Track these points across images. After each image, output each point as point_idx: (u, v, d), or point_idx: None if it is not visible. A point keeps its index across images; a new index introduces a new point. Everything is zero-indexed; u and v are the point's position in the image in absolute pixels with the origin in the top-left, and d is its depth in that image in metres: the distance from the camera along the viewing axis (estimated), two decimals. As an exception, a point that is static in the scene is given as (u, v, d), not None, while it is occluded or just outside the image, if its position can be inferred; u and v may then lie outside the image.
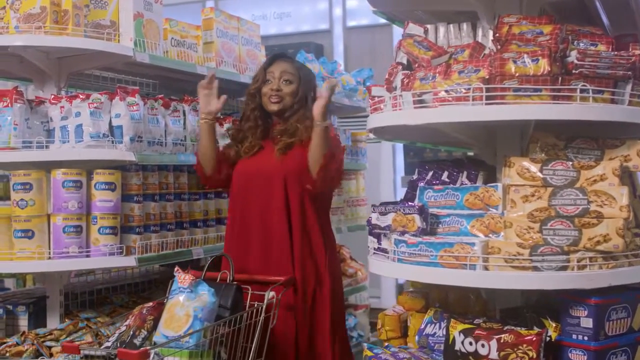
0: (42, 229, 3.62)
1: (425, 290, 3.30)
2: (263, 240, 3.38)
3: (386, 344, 3.15)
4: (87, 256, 3.66)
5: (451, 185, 3.02)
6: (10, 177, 3.68)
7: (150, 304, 2.92)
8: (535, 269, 2.60)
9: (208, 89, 3.52)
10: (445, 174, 3.12)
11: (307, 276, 3.34)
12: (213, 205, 4.32)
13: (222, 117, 4.38)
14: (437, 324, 3.03)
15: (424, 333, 3.05)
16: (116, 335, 2.81)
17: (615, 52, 2.73)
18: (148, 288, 4.61)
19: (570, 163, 2.74)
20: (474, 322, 2.79)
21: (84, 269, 4.21)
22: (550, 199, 2.69)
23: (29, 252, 3.59)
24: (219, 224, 4.33)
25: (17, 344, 3.53)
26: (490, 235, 2.79)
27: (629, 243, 2.65)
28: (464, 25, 3.17)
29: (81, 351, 2.72)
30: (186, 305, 2.75)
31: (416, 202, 3.03)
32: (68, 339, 3.51)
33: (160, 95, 4.09)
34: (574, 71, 2.66)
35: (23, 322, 3.84)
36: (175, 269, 2.91)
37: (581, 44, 2.77)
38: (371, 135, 3.34)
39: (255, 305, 2.99)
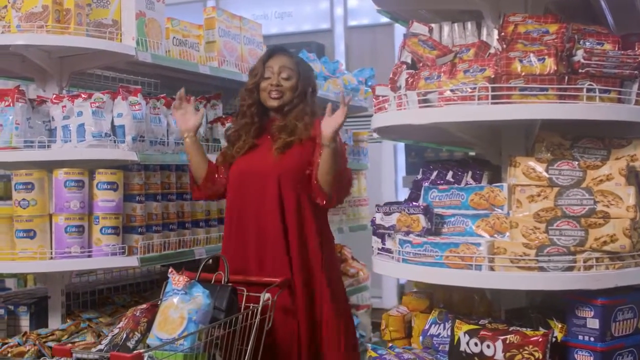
0: (44, 229, 3.61)
1: (429, 291, 3.28)
2: (258, 241, 3.34)
3: (390, 344, 3.13)
4: (89, 256, 3.64)
5: (456, 185, 3.01)
6: (12, 176, 3.66)
7: (144, 305, 2.88)
8: (542, 269, 2.59)
9: (182, 109, 3.51)
10: (450, 173, 3.11)
11: (304, 277, 3.30)
12: (215, 205, 4.30)
13: (224, 116, 4.37)
14: (442, 325, 3.01)
15: (428, 334, 3.04)
16: (109, 337, 2.76)
17: (622, 52, 2.71)
18: (150, 288, 4.59)
19: (576, 163, 2.72)
20: (479, 322, 2.77)
21: (85, 269, 4.19)
22: (557, 199, 2.67)
23: (30, 252, 3.58)
24: (221, 224, 4.30)
25: (19, 345, 3.51)
26: (496, 235, 2.78)
27: (635, 243, 2.63)
28: (469, 25, 3.16)
29: (73, 354, 2.68)
30: (180, 308, 2.71)
31: (421, 202, 3.02)
32: (70, 339, 3.49)
33: (162, 95, 4.07)
34: (580, 70, 2.64)
35: (25, 323, 3.82)
36: (169, 270, 2.87)
37: (587, 43, 2.75)
38: (375, 135, 3.32)
39: (251, 307, 2.95)
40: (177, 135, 4.01)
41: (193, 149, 3.52)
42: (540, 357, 2.54)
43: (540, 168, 2.74)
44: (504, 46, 2.75)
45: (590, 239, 2.60)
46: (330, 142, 3.18)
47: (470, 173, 3.06)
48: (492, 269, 2.64)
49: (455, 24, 3.17)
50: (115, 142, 3.64)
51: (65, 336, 3.56)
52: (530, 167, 2.75)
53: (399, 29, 8.90)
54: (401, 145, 8.02)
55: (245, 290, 3.03)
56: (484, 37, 3.10)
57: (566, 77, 2.61)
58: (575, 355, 2.65)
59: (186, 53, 4.31)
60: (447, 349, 2.87)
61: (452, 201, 2.94)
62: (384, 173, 7.81)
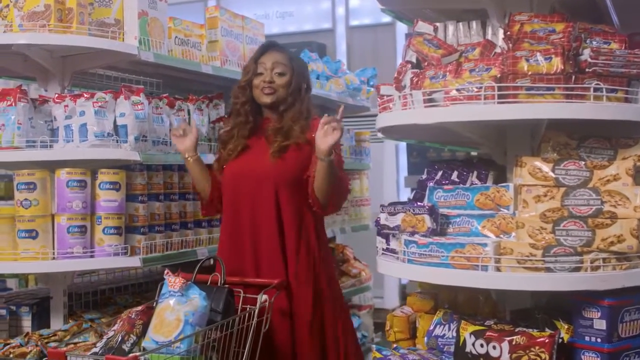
0: (46, 229, 3.59)
1: (433, 292, 3.26)
2: (254, 244, 3.30)
3: (395, 345, 3.12)
4: (92, 256, 3.62)
5: (461, 185, 2.99)
6: (14, 176, 3.64)
7: (139, 308, 2.84)
8: (548, 270, 2.57)
9: (182, 135, 3.49)
10: (455, 173, 3.09)
11: (301, 279, 3.28)
12: (217, 205, 4.28)
13: (226, 116, 4.35)
14: (447, 325, 3.00)
15: (433, 334, 3.02)
16: (104, 340, 2.72)
17: (629, 51, 2.69)
18: (152, 288, 4.57)
19: (583, 163, 2.70)
20: (485, 323, 2.75)
21: (88, 270, 4.18)
22: (563, 199, 2.65)
23: (32, 252, 3.56)
24: (223, 224, 4.30)
25: (21, 345, 3.49)
26: (502, 235, 2.76)
27: (642, 244, 2.62)
28: (474, 24, 3.14)
29: (68, 357, 2.65)
30: (177, 310, 2.68)
31: (426, 202, 3.00)
32: (72, 340, 3.47)
33: (164, 95, 4.06)
34: (587, 70, 2.63)
35: (26, 323, 3.80)
36: (165, 271, 2.83)
37: (594, 43, 2.73)
38: (379, 135, 3.30)
39: (248, 308, 2.92)
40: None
41: (195, 168, 3.52)
42: (547, 358, 2.52)
43: (546, 168, 2.72)
44: (510, 45, 2.74)
45: (597, 240, 2.58)
46: (326, 157, 3.14)
47: (475, 173, 3.04)
48: (498, 269, 2.62)
49: (460, 23, 3.16)
50: (117, 142, 3.63)
51: (68, 337, 3.55)
52: (536, 167, 2.73)
53: (401, 29, 8.92)
54: (403, 145, 8.00)
55: (242, 292, 2.99)
56: (489, 36, 3.08)
57: (573, 77, 2.59)
58: (582, 357, 2.63)
59: (188, 52, 4.29)
60: (452, 349, 2.85)
61: (458, 201, 2.92)
62: (385, 173, 7.80)
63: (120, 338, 2.69)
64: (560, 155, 2.78)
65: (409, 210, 2.92)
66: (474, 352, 2.68)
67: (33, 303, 3.84)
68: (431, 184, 3.07)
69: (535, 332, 2.60)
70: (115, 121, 3.66)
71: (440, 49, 2.96)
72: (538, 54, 2.61)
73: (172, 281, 2.75)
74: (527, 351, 2.56)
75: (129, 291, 4.44)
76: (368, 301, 6.15)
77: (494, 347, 2.63)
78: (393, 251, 3.00)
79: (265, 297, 2.93)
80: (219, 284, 3.00)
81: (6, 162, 3.77)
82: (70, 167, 3.59)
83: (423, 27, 3.14)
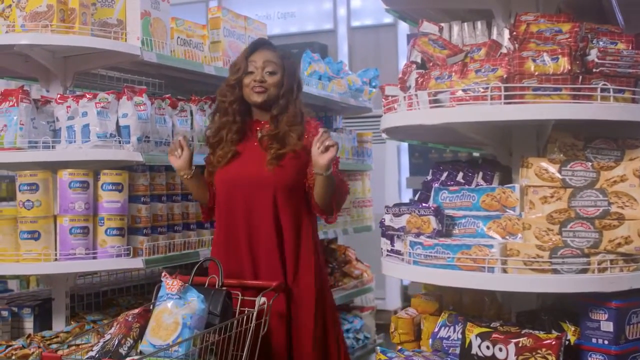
0: (49, 230, 3.57)
1: (438, 293, 3.25)
2: (251, 250, 3.25)
3: (399, 347, 3.10)
4: (94, 258, 3.61)
5: (467, 186, 2.97)
6: (16, 177, 3.62)
7: (136, 310, 2.80)
8: (555, 271, 2.55)
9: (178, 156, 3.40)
10: (460, 174, 3.08)
11: (301, 286, 3.26)
12: (220, 206, 4.27)
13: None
14: (452, 327, 2.98)
15: (437, 336, 3.00)
16: (100, 344, 2.68)
17: (636, 51, 2.68)
18: (154, 290, 4.55)
19: (590, 164, 2.69)
20: (491, 325, 2.74)
21: (90, 271, 4.16)
22: (570, 200, 2.64)
23: (35, 253, 3.54)
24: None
25: (23, 347, 3.48)
26: (507, 237, 2.75)
27: (650, 245, 2.60)
28: (479, 24, 3.13)
29: None
30: (175, 313, 2.64)
31: (431, 203, 2.99)
32: (74, 341, 3.45)
33: (167, 95, 4.04)
34: (594, 70, 2.61)
35: (28, 325, 3.78)
36: (163, 274, 2.79)
37: (601, 43, 2.72)
38: (384, 135, 3.28)
39: (246, 311, 2.88)
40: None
41: (192, 183, 3.47)
42: (554, 360, 2.51)
43: (553, 169, 2.70)
44: (516, 45, 2.72)
45: (605, 241, 2.57)
46: (325, 172, 3.14)
47: (480, 174, 3.03)
48: (504, 271, 2.61)
49: (465, 24, 3.15)
50: (120, 143, 3.61)
51: (70, 338, 3.53)
52: (542, 168, 2.72)
53: (402, 30, 8.92)
54: (404, 146, 8.00)
55: (240, 295, 2.96)
56: (494, 37, 3.07)
57: (580, 77, 2.57)
58: (589, 359, 2.61)
59: (190, 53, 4.27)
60: (457, 351, 2.84)
61: (463, 202, 2.90)
62: (387, 174, 7.79)
63: (117, 341, 2.65)
64: (567, 156, 2.77)
65: (414, 212, 2.90)
66: (479, 354, 2.67)
67: (35, 304, 3.82)
68: (436, 185, 3.05)
69: (541, 334, 2.59)
70: (117, 122, 3.64)
71: (446, 49, 2.94)
72: (545, 54, 2.60)
73: (170, 283, 2.71)
74: (534, 353, 2.54)
75: (131, 292, 4.43)
76: (370, 302, 6.13)
77: (500, 349, 2.61)
78: (398, 252, 2.99)
79: (263, 299, 2.89)
80: (216, 287, 2.96)
81: (8, 163, 3.75)
82: (73, 168, 3.57)
83: (428, 27, 3.12)
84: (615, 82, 2.60)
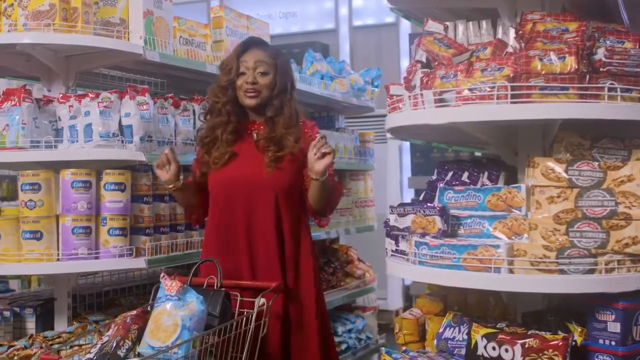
0: (51, 230, 3.56)
1: (443, 293, 3.23)
2: (250, 251, 3.21)
3: (404, 348, 3.08)
4: (97, 258, 3.60)
5: (472, 186, 2.96)
6: (19, 177, 3.61)
7: (134, 312, 2.76)
8: (562, 272, 2.54)
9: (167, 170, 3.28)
10: (466, 174, 3.06)
11: (302, 287, 3.25)
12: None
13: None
14: (457, 328, 2.96)
15: (442, 337, 2.99)
16: (98, 346, 2.64)
17: (643, 50, 2.67)
18: (152, 290, 4.53)
19: (597, 163, 2.67)
20: (497, 326, 2.72)
21: (93, 271, 4.15)
22: (577, 200, 2.62)
23: (37, 253, 3.53)
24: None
25: (25, 347, 3.46)
26: (513, 237, 2.73)
27: (657, 245, 2.58)
28: (484, 23, 3.11)
29: None
30: (174, 314, 2.61)
31: (436, 203, 2.97)
32: (76, 342, 3.43)
33: (170, 95, 4.03)
34: (601, 69, 2.60)
35: (30, 325, 3.77)
36: (162, 275, 2.77)
37: (608, 42, 2.70)
38: (388, 135, 3.27)
39: (245, 312, 2.84)
40: (185, 136, 3.97)
41: (179, 194, 3.38)
42: (561, 361, 2.49)
43: (559, 169, 2.69)
44: (523, 44, 2.70)
45: (612, 241, 2.55)
46: (321, 177, 3.12)
47: (486, 174, 3.01)
48: (511, 271, 2.59)
49: (470, 23, 3.12)
50: (122, 143, 3.59)
51: (72, 339, 3.51)
52: (549, 168, 2.70)
53: (404, 29, 8.91)
54: (406, 146, 7.98)
55: (239, 295, 2.92)
56: (499, 36, 3.05)
57: (587, 76, 2.56)
58: (596, 360, 2.60)
59: (193, 52, 4.26)
60: (462, 352, 2.82)
61: (469, 202, 2.89)
62: (389, 174, 7.76)
63: (115, 343, 2.61)
64: (574, 155, 2.75)
65: (419, 212, 2.88)
66: (485, 355, 2.65)
67: (37, 305, 3.81)
68: (441, 185, 3.04)
69: (548, 335, 2.57)
70: (120, 121, 3.63)
71: (451, 49, 2.92)
72: (551, 53, 2.58)
73: (169, 285, 2.68)
74: (540, 354, 2.53)
75: (133, 292, 4.41)
76: (372, 302, 6.12)
77: (507, 350, 2.60)
78: (402, 253, 2.97)
79: (262, 300, 2.86)
80: (215, 287, 2.92)
81: (10, 163, 3.73)
82: (75, 168, 3.55)
83: (433, 26, 3.11)
84: (623, 81, 2.58)
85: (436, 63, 2.94)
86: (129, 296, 4.33)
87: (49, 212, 3.56)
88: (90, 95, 3.60)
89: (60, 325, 3.75)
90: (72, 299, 3.82)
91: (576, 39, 2.64)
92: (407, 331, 3.14)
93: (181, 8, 6.07)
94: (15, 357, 3.39)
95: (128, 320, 2.69)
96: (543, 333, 2.60)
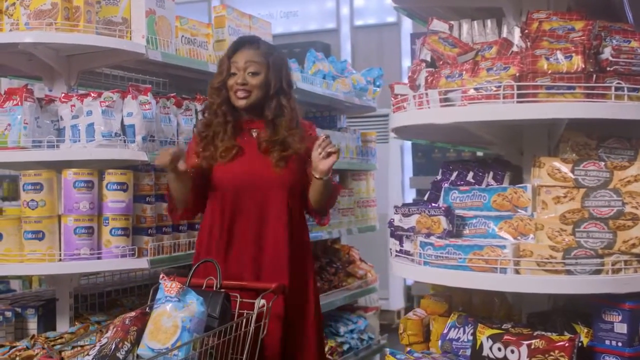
0: (53, 230, 3.54)
1: (447, 294, 3.22)
2: (257, 253, 3.18)
3: (408, 348, 3.07)
4: (99, 258, 3.58)
5: (477, 186, 2.94)
6: (20, 177, 3.59)
7: (132, 313, 2.73)
8: (569, 272, 2.52)
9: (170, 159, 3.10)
10: (471, 174, 3.04)
11: (303, 286, 3.25)
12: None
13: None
14: (462, 329, 2.94)
15: (447, 338, 2.97)
16: (97, 348, 2.61)
17: (650, 49, 2.65)
18: (151, 292, 4.50)
19: (603, 163, 2.66)
20: (502, 327, 2.71)
21: (95, 272, 4.13)
22: (583, 201, 2.61)
23: (39, 253, 3.51)
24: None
25: (27, 348, 3.45)
26: (519, 237, 2.71)
27: (665, 246, 2.57)
28: (489, 22, 3.09)
29: None
30: (174, 316, 2.58)
31: (441, 203, 2.95)
32: (78, 342, 3.42)
33: (172, 94, 4.02)
34: (608, 68, 2.58)
35: (32, 325, 3.74)
36: (161, 276, 2.74)
37: (614, 41, 2.68)
38: (392, 135, 3.25)
39: (245, 314, 2.81)
40: (187, 135, 3.95)
41: (179, 181, 3.18)
42: (567, 362, 2.48)
43: (565, 169, 2.67)
44: (529, 44, 2.68)
45: (619, 242, 2.54)
46: (325, 176, 3.14)
47: (491, 174, 2.99)
48: (517, 272, 2.57)
49: (475, 22, 3.11)
50: (125, 142, 3.57)
51: (74, 339, 3.50)
52: (555, 168, 2.69)
53: (405, 29, 8.91)
54: (408, 146, 7.97)
55: (239, 296, 2.88)
56: (504, 35, 3.03)
57: (594, 76, 2.54)
58: (602, 361, 2.59)
59: (195, 52, 4.24)
60: (467, 353, 2.81)
61: (474, 202, 2.87)
62: (390, 174, 7.75)
63: (114, 345, 2.58)
64: (580, 155, 2.74)
65: (424, 212, 2.87)
66: (491, 356, 2.63)
67: (39, 305, 3.78)
68: (446, 185, 3.02)
69: (554, 336, 2.56)
70: (122, 121, 3.61)
71: (456, 48, 2.91)
72: (558, 52, 2.57)
73: (169, 286, 2.65)
74: (547, 355, 2.51)
75: (135, 293, 4.38)
76: (374, 303, 6.11)
77: (512, 351, 2.58)
78: (407, 253, 2.95)
79: (263, 301, 2.83)
80: (214, 288, 2.89)
81: (12, 162, 3.72)
82: (77, 168, 3.53)
83: (438, 25, 3.09)
84: (630, 80, 2.57)
85: (441, 62, 2.93)
86: (130, 296, 4.30)
87: (51, 212, 3.54)
88: (93, 95, 3.58)
89: (62, 325, 3.73)
90: (74, 300, 3.80)
91: (583, 38, 2.63)
92: (412, 332, 3.12)
93: (182, 7, 6.07)
94: (17, 358, 3.37)
95: (127, 322, 2.66)
96: (549, 334, 2.58)
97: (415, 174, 7.85)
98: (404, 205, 3.01)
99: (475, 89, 2.64)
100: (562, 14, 2.82)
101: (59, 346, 3.46)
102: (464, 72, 2.74)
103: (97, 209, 3.57)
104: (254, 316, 2.79)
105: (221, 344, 2.70)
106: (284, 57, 3.39)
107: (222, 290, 2.88)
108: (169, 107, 3.88)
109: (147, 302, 4.07)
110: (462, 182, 3.05)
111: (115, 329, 2.66)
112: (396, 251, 3.05)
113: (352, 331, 5.37)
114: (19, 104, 3.51)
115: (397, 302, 7.68)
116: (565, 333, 2.64)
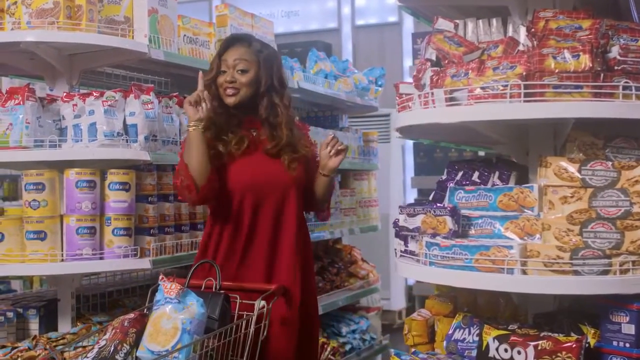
0: (55, 230, 3.51)
1: (452, 294, 3.20)
2: (271, 252, 3.15)
3: (413, 349, 3.05)
4: (101, 258, 3.55)
5: (483, 186, 2.92)
6: (22, 177, 3.57)
7: (131, 315, 2.69)
8: (576, 273, 2.51)
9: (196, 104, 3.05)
10: (476, 174, 3.02)
11: (307, 288, 3.23)
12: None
13: None
14: (467, 329, 2.93)
15: (452, 338, 2.95)
16: (95, 350, 2.57)
17: (658, 48, 2.63)
18: (149, 293, 4.48)
19: (610, 163, 2.64)
20: (509, 328, 2.69)
21: (97, 272, 4.11)
22: (591, 201, 2.59)
23: (41, 254, 3.48)
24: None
25: (29, 349, 3.42)
26: (525, 237, 2.70)
27: (672, 247, 2.55)
28: (494, 21, 3.08)
29: None
30: (173, 317, 2.54)
31: (446, 203, 2.93)
32: (80, 343, 3.40)
33: (174, 94, 4.00)
34: (616, 67, 2.57)
35: (34, 326, 3.72)
36: (160, 277, 2.71)
37: (621, 40, 2.67)
38: (397, 134, 3.23)
39: (245, 315, 2.77)
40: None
41: (200, 141, 3.01)
42: (575, 363, 2.46)
43: (572, 168, 2.66)
44: (535, 42, 2.67)
45: (627, 242, 2.52)
46: (332, 173, 3.22)
47: (497, 173, 2.97)
48: (524, 272, 2.56)
49: (480, 21, 3.09)
50: (127, 142, 3.55)
51: (76, 340, 3.48)
52: (562, 168, 2.67)
53: (407, 28, 8.90)
54: (409, 146, 7.96)
55: (238, 298, 2.84)
56: (509, 34, 3.01)
57: (601, 75, 2.52)
58: (610, 362, 2.57)
59: (196, 51, 4.22)
60: (472, 354, 2.79)
61: (480, 202, 2.85)
62: (392, 173, 7.73)
63: (112, 348, 2.54)
64: (587, 155, 2.72)
65: (430, 212, 2.85)
66: (497, 357, 2.62)
67: (40, 305, 3.76)
68: (452, 185, 3.00)
69: (561, 337, 2.54)
70: (125, 120, 3.59)
71: (462, 47, 2.89)
72: (565, 51, 2.55)
73: (168, 287, 2.61)
74: (554, 356, 2.50)
75: (137, 293, 4.36)
76: (376, 303, 6.10)
77: (519, 352, 2.56)
78: (411, 253, 2.94)
79: (263, 303, 2.78)
80: (213, 290, 2.84)
81: (14, 162, 3.70)
82: (79, 167, 3.51)
83: (443, 24, 3.07)
84: (638, 79, 2.56)
85: (446, 61, 2.91)
86: (132, 297, 4.28)
87: (53, 212, 3.52)
88: (95, 94, 3.56)
89: (64, 326, 3.71)
90: (75, 300, 3.78)
91: (590, 36, 2.61)
92: (416, 332, 3.11)
93: (183, 7, 6.05)
94: (19, 359, 3.35)
95: (126, 324, 2.62)
96: (556, 335, 2.57)
97: (417, 174, 7.84)
98: (409, 205, 3.00)
99: (482, 88, 2.62)
100: (569, 12, 2.80)
101: (60, 347, 3.45)
102: (470, 71, 2.72)
103: (99, 209, 3.55)
104: (254, 317, 2.76)
105: (221, 346, 2.67)
106: (277, 55, 3.35)
107: (222, 291, 2.84)
108: (171, 106, 3.86)
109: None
110: (467, 182, 3.03)
111: (113, 331, 2.63)
112: (401, 251, 3.03)
113: (354, 331, 5.36)
114: (21, 103, 3.49)
115: (398, 302, 7.66)
116: (572, 334, 2.63)
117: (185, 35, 4.16)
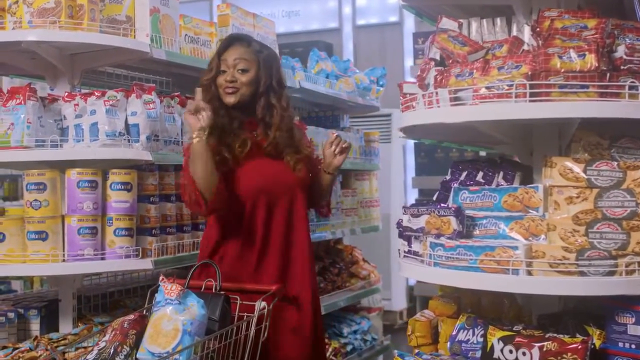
0: (56, 230, 3.50)
1: (456, 295, 3.18)
2: (285, 255, 3.12)
3: (417, 350, 3.03)
4: (102, 259, 3.54)
5: (487, 186, 2.91)
6: (24, 177, 3.55)
7: (131, 316, 2.66)
8: (582, 274, 2.49)
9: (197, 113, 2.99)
10: (480, 174, 3.01)
11: (315, 290, 3.24)
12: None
13: None
14: (471, 330, 2.91)
15: (456, 339, 2.94)
16: (95, 352, 2.55)
17: (664, 48, 2.62)
18: (148, 294, 4.46)
19: (616, 163, 2.63)
20: (514, 329, 2.68)
21: (98, 272, 4.09)
22: (596, 201, 2.58)
23: (42, 254, 3.47)
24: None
25: (30, 349, 3.41)
26: (530, 238, 2.68)
27: (678, 247, 2.54)
28: (498, 20, 3.06)
29: None
30: (174, 319, 2.52)
31: (450, 203, 2.92)
32: (82, 344, 3.38)
33: (176, 93, 3.98)
34: (622, 67, 2.55)
35: (35, 327, 3.71)
36: (160, 277, 2.69)
37: (627, 39, 2.65)
38: (400, 134, 3.22)
39: (245, 317, 2.75)
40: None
41: (206, 152, 2.94)
42: (580, 365, 2.44)
43: (577, 168, 2.64)
44: (540, 42, 2.65)
45: (633, 243, 2.51)
46: (336, 171, 3.27)
47: (501, 174, 2.96)
48: (529, 273, 2.54)
49: (484, 20, 3.07)
50: (129, 142, 3.54)
51: (78, 340, 3.46)
52: (567, 168, 2.66)
53: (408, 28, 8.89)
54: (410, 146, 7.95)
55: (239, 299, 2.81)
56: (514, 33, 3.00)
57: (607, 74, 2.51)
58: (615, 363, 2.56)
59: (198, 51, 4.21)
60: (477, 355, 2.78)
61: (484, 203, 2.84)
62: (393, 174, 7.72)
63: (112, 350, 2.52)
64: (592, 155, 2.71)
65: (434, 212, 2.83)
66: (502, 358, 2.60)
67: (41, 306, 3.75)
68: (456, 185, 2.99)
69: (566, 338, 2.53)
70: (126, 120, 3.58)
71: (466, 46, 2.87)
72: (571, 50, 2.53)
73: (169, 288, 2.59)
74: (559, 357, 2.48)
75: (138, 293, 4.35)
76: (377, 303, 6.08)
77: (524, 354, 2.55)
78: (415, 253, 2.92)
79: (263, 304, 2.75)
80: (213, 291, 2.82)
81: (15, 162, 3.68)
82: (81, 167, 3.50)
83: (447, 23, 3.06)
84: (644, 79, 2.54)
85: (451, 61, 2.89)
86: (134, 297, 4.27)
87: (55, 212, 3.51)
88: (96, 94, 3.54)
89: (65, 326, 3.70)
90: (76, 300, 3.76)
91: (596, 36, 2.60)
92: (420, 333, 3.08)
93: (184, 6, 6.04)
94: (21, 360, 3.34)
95: (125, 325, 2.60)
96: (561, 336, 2.55)
97: (418, 174, 7.83)
98: (413, 205, 2.98)
99: (487, 87, 2.60)
100: (574, 12, 2.79)
101: (62, 347, 3.43)
102: (475, 71, 2.71)
103: (100, 209, 3.53)
104: (255, 319, 2.74)
105: (222, 348, 2.66)
106: (276, 55, 3.35)
107: (222, 292, 2.82)
108: (173, 106, 3.85)
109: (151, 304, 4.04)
110: (471, 182, 3.02)
111: (113, 332, 2.61)
112: (404, 252, 3.02)
113: (355, 332, 5.35)
114: (22, 103, 3.48)
115: (399, 302, 7.65)
116: (577, 335, 2.61)
117: (186, 34, 4.14)
